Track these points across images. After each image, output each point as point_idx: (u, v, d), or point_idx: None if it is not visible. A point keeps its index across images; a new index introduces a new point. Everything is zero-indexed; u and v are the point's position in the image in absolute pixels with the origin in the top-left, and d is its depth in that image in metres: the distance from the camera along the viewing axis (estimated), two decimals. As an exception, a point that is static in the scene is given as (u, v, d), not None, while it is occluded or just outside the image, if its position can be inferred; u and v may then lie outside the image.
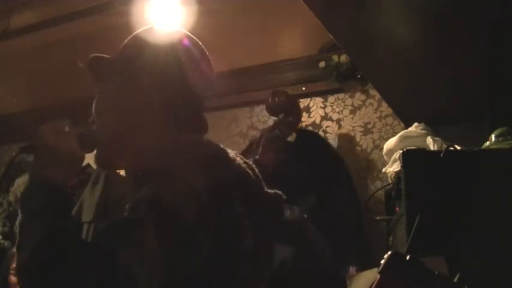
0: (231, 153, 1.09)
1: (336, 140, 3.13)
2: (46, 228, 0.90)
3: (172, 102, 1.08)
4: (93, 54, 1.14)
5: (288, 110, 2.67)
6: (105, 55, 1.14)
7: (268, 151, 2.36)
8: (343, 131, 3.13)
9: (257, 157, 2.20)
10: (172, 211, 0.88)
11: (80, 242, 0.92)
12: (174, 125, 1.09)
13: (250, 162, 1.13)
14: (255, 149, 2.40)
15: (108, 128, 1.10)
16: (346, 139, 3.11)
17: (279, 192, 1.14)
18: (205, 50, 1.17)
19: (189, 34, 1.17)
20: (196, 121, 1.14)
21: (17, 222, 0.96)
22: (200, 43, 1.17)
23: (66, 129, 1.06)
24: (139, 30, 1.15)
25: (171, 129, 1.09)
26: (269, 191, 1.13)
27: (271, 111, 2.77)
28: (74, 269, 0.85)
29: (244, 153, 2.28)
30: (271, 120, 3.35)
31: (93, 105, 1.13)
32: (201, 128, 1.15)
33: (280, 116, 2.66)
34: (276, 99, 2.70)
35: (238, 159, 1.09)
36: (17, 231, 0.96)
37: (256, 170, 1.13)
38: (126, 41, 1.15)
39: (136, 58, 1.10)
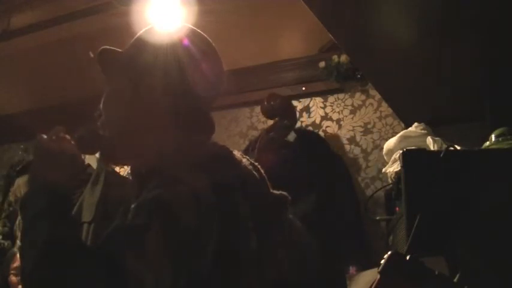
0: (237, 154, 1.09)
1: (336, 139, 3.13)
2: (48, 237, 0.89)
3: (174, 102, 1.08)
4: (104, 46, 1.14)
5: (284, 113, 2.67)
6: (116, 48, 1.14)
7: (265, 153, 2.36)
8: (343, 131, 3.13)
9: (252, 160, 2.20)
10: (175, 214, 0.87)
11: (83, 249, 0.91)
12: (177, 125, 1.09)
13: (256, 163, 1.13)
14: (251, 151, 2.40)
15: (112, 126, 1.10)
16: (346, 139, 3.11)
17: (284, 193, 1.14)
18: (212, 48, 1.16)
19: (197, 31, 1.16)
20: (200, 121, 1.13)
21: (16, 225, 0.95)
22: (207, 40, 1.16)
23: (62, 135, 1.05)
24: (142, 30, 1.15)
25: (174, 129, 1.08)
26: (275, 192, 1.13)
27: (267, 114, 2.78)
28: (78, 278, 0.84)
29: (245, 153, 2.29)
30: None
31: (102, 99, 1.13)
32: (206, 128, 1.15)
33: (276, 119, 2.66)
34: (272, 102, 2.70)
35: (244, 160, 1.09)
36: (20, 239, 0.95)
37: (262, 171, 1.12)
38: (130, 42, 1.15)
39: (137, 59, 1.10)
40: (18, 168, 1.04)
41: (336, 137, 3.12)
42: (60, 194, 0.98)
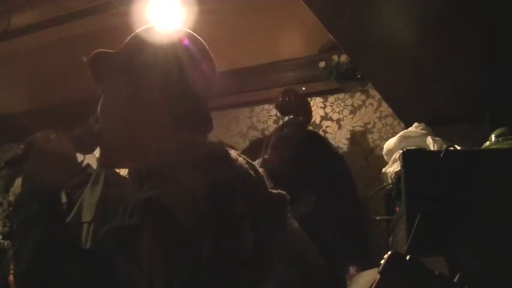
0: (233, 153, 1.09)
1: (336, 139, 3.14)
2: (42, 237, 0.89)
3: (174, 102, 1.08)
4: (96, 51, 1.13)
5: (299, 109, 2.65)
6: (108, 50, 1.14)
7: (278, 150, 2.34)
8: (343, 131, 3.13)
9: (266, 156, 2.19)
10: (170, 213, 0.87)
11: (77, 250, 0.91)
12: (176, 125, 1.08)
13: (253, 163, 1.13)
14: (265, 148, 2.39)
15: (112, 128, 1.10)
16: (346, 139, 3.11)
17: (283, 192, 1.14)
18: (207, 49, 1.17)
19: (191, 33, 1.17)
20: (199, 121, 1.14)
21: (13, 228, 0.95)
22: (202, 42, 1.17)
23: (54, 136, 1.04)
24: (139, 29, 1.15)
25: (174, 129, 1.08)
26: (273, 191, 1.12)
27: (282, 111, 2.75)
28: (72, 278, 0.84)
29: (245, 153, 2.28)
30: (271, 120, 3.36)
31: (99, 105, 1.12)
32: (205, 127, 1.15)
33: (291, 116, 2.63)
34: (286, 99, 2.67)
35: (240, 159, 1.09)
36: (13, 238, 0.95)
37: (260, 171, 1.12)
38: (126, 40, 1.14)
39: (136, 58, 1.10)
40: (7, 160, 1.03)
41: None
42: (55, 195, 0.98)
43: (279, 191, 1.13)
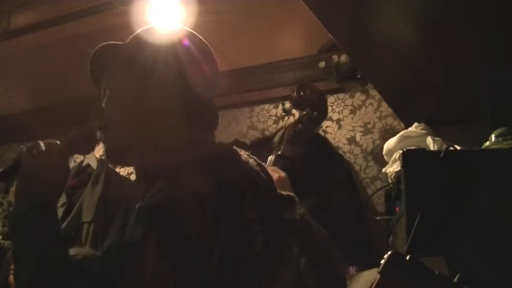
0: (244, 154, 1.08)
1: (336, 139, 3.13)
2: (42, 257, 0.89)
3: (175, 102, 1.08)
4: (98, 47, 1.13)
5: (314, 105, 2.65)
6: (114, 42, 1.13)
7: (292, 146, 2.34)
8: (343, 131, 3.13)
9: (279, 152, 2.19)
10: (177, 219, 0.87)
11: (78, 269, 0.91)
12: (175, 124, 1.08)
13: (264, 164, 1.12)
14: (279, 144, 2.39)
15: (117, 128, 1.10)
16: (346, 139, 3.11)
17: (292, 194, 1.14)
18: (209, 48, 1.16)
19: (193, 32, 1.17)
20: (203, 120, 1.13)
21: (12, 247, 0.95)
22: (204, 41, 1.17)
23: (43, 147, 1.02)
24: (140, 29, 1.15)
25: (177, 129, 1.08)
26: (282, 193, 1.12)
27: (298, 106, 2.74)
28: None
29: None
30: (271, 120, 3.36)
31: (104, 103, 1.13)
32: (207, 125, 1.15)
33: (306, 110, 2.62)
34: (302, 93, 2.67)
35: (251, 160, 1.08)
36: (12, 257, 0.95)
37: (269, 172, 1.12)
38: (127, 40, 1.15)
39: (137, 58, 1.10)
40: None
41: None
42: (50, 210, 0.98)
43: (288, 193, 1.14)
